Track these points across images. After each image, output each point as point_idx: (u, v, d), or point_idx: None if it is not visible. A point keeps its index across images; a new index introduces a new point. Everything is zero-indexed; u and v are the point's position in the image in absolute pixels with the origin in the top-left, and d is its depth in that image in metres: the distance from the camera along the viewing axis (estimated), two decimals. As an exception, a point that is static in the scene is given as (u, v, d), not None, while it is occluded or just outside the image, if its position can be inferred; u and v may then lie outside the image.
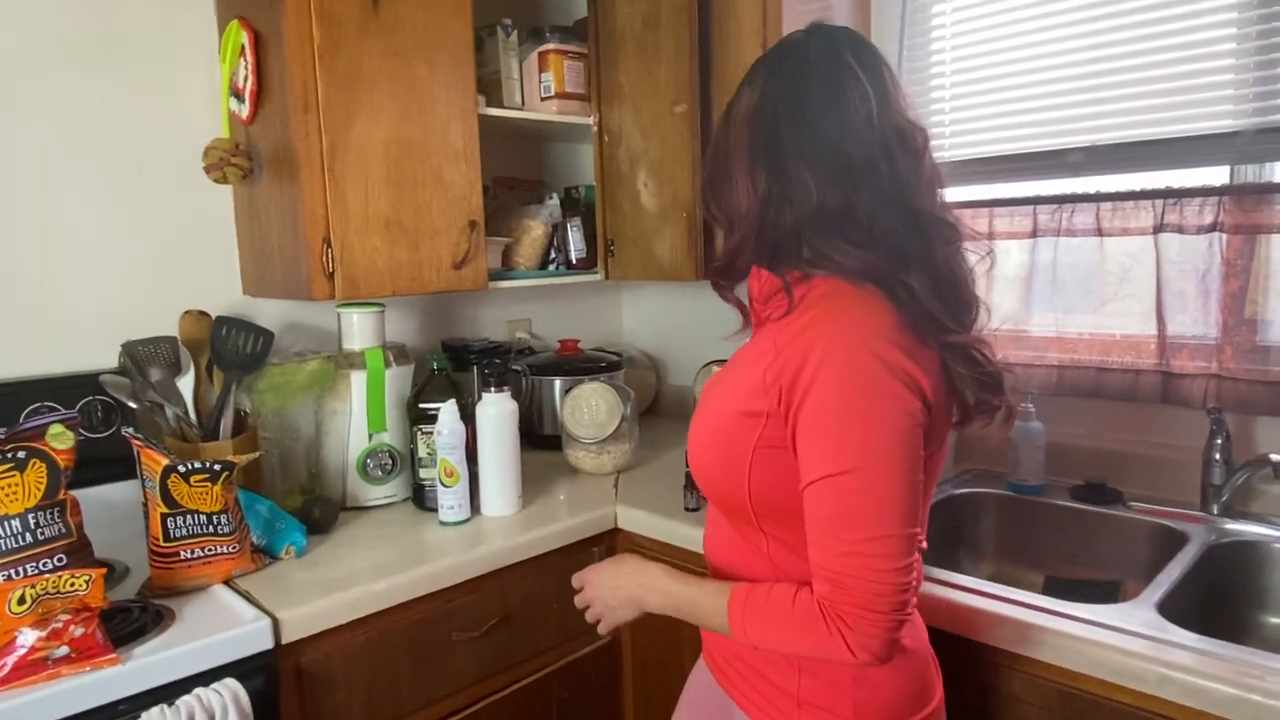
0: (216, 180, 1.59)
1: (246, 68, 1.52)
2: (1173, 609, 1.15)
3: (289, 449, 1.60)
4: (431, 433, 1.56)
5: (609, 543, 1.63)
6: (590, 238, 2.01)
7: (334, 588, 1.27)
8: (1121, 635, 1.06)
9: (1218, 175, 1.52)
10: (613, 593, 1.04)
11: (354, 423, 1.60)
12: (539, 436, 2.02)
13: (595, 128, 1.95)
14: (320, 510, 1.50)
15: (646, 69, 1.83)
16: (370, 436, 1.61)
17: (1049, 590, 1.50)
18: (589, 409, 1.79)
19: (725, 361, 1.07)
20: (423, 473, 1.60)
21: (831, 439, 0.81)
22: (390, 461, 1.62)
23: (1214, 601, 1.33)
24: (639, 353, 2.45)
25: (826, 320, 0.84)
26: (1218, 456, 1.46)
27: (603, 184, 1.98)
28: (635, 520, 1.59)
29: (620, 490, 1.72)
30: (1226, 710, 0.94)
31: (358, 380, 1.59)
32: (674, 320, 2.39)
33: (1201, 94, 1.51)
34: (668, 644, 1.56)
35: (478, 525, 1.53)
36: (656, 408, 2.42)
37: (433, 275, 1.62)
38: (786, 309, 0.90)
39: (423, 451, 1.60)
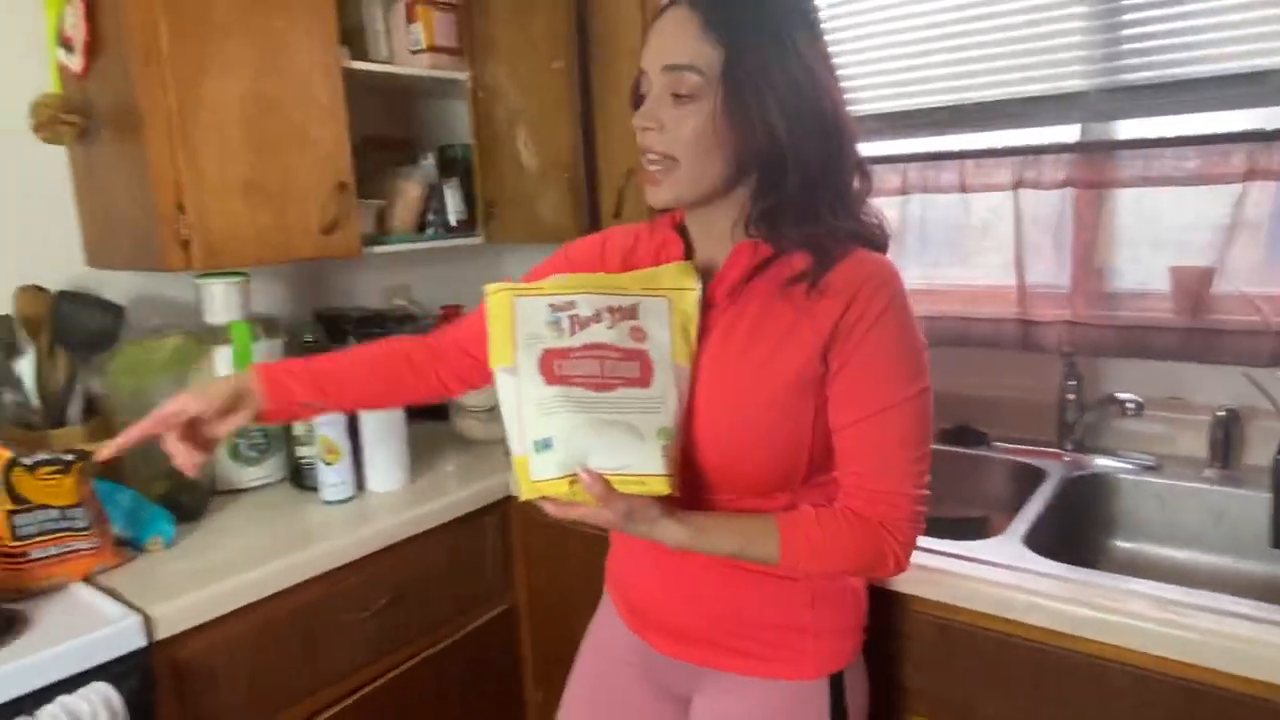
0: (46, 140, 1.45)
1: (76, 14, 1.38)
2: (1036, 541, 1.24)
3: (149, 433, 1.50)
4: (309, 408, 1.49)
5: (503, 511, 1.62)
6: (469, 199, 1.96)
7: (209, 578, 1.21)
8: (992, 568, 1.14)
9: (1070, 134, 1.62)
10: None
11: (222, 401, 1.51)
12: (425, 407, 1.96)
13: (470, 84, 1.89)
14: (188, 496, 1.42)
15: (521, 23, 1.78)
16: (241, 415, 1.53)
17: (922, 529, 1.60)
18: (475, 376, 1.76)
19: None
20: (301, 451, 1.54)
21: (905, 364, 0.89)
22: (264, 440, 1.55)
23: (1072, 531, 1.45)
24: (523, 317, 2.42)
25: (870, 262, 0.91)
26: (1071, 397, 1.58)
27: (480, 143, 1.93)
28: (528, 487, 1.58)
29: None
30: (1088, 631, 1.03)
31: (223, 356, 1.52)
32: (558, 283, 2.37)
33: (1055, 54, 1.60)
34: (564, 601, 1.57)
35: (363, 503, 1.49)
36: (543, 372, 2.40)
37: (301, 241, 1.55)
38: (823, 264, 0.90)
39: (300, 428, 1.53)
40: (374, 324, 1.89)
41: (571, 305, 0.91)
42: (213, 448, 1.05)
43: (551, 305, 0.91)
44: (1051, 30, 1.59)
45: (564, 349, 0.89)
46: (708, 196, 0.93)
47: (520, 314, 0.91)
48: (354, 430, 1.50)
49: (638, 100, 0.93)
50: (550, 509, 0.88)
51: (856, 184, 0.95)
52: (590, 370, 0.88)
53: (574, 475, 0.85)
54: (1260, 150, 1.38)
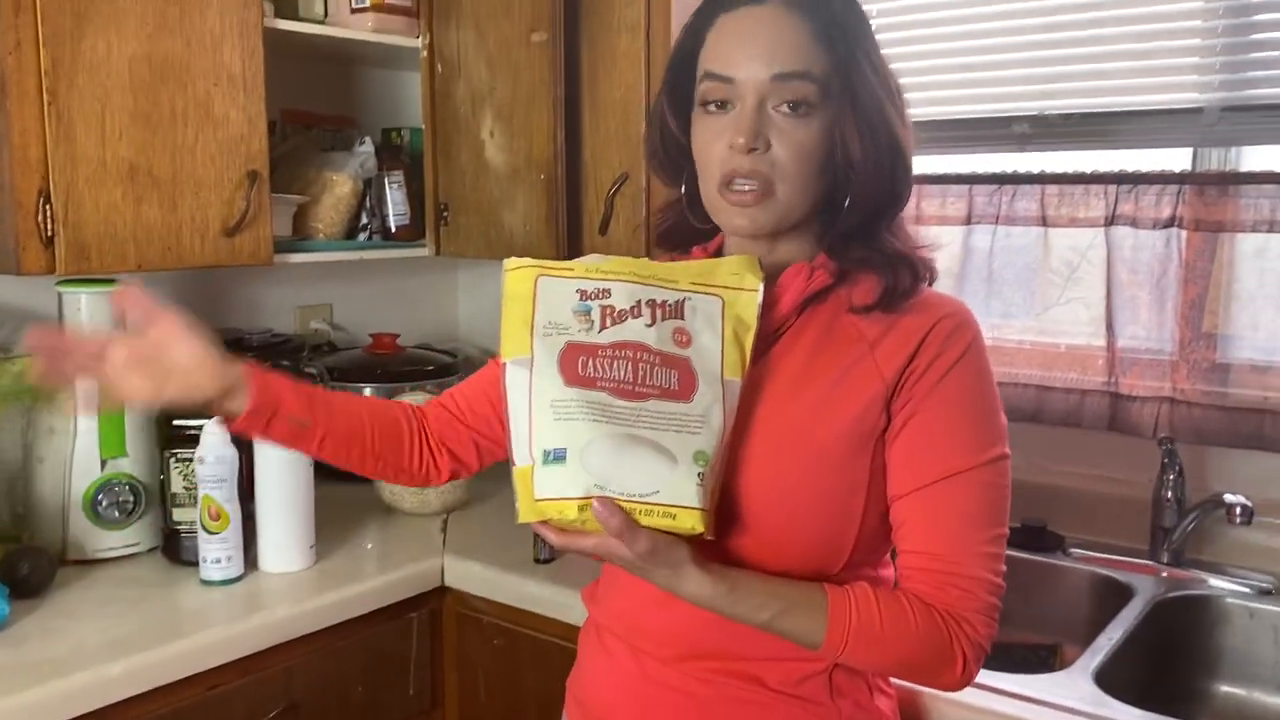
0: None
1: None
2: (1114, 678, 1.26)
3: (-17, 480, 1.52)
4: (191, 460, 1.52)
5: (433, 605, 1.63)
6: (417, 199, 1.99)
7: (48, 673, 1.21)
8: (1052, 713, 1.16)
9: (1180, 160, 1.68)
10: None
11: (80, 445, 1.54)
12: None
13: (425, 53, 1.93)
14: (29, 566, 1.43)
15: (495, -20, 1.84)
16: (103, 464, 1.55)
17: (978, 657, 1.61)
18: (409, 427, 1.78)
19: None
20: (178, 514, 1.56)
21: (982, 423, 0.96)
22: (132, 499, 1.57)
23: (1162, 668, 1.47)
24: (479, 352, 2.43)
25: (948, 304, 0.99)
26: (1169, 495, 1.62)
27: (434, 129, 1.96)
28: (469, 576, 1.60)
29: (449, 536, 1.72)
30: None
31: (85, 386, 1.53)
32: (524, 309, 2.39)
33: (1165, 60, 1.66)
34: (508, 711, 1.58)
35: (254, 585, 1.50)
36: (499, 424, 2.42)
37: (196, 243, 1.58)
38: (896, 292, 0.98)
39: (178, 485, 1.55)
40: (283, 352, 1.91)
41: (606, 293, 0.95)
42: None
43: (581, 291, 0.95)
44: (1163, 29, 1.65)
45: (591, 345, 0.93)
46: (795, 224, 1.01)
47: (543, 296, 0.95)
48: (247, 490, 1.52)
49: (675, 93, 1.04)
50: (551, 536, 0.91)
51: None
52: (621, 374, 0.92)
53: (587, 499, 0.87)
54: None
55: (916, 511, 0.95)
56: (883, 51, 1.00)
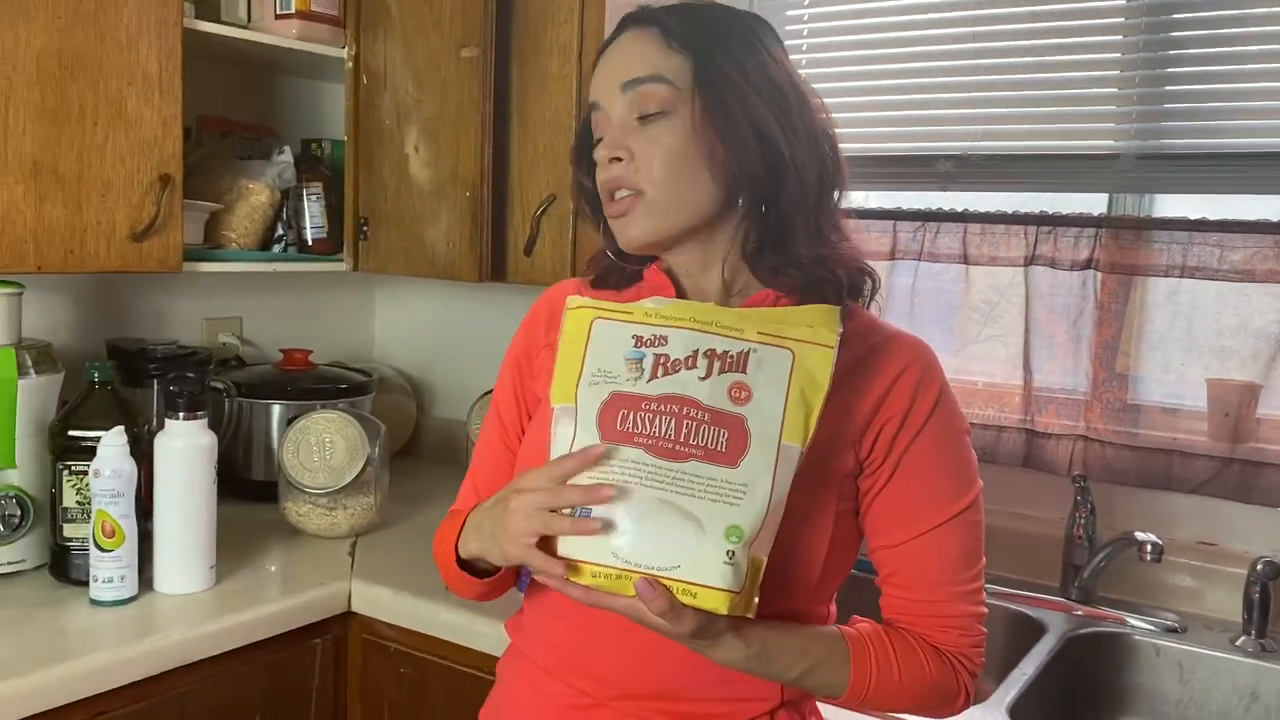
0: None
1: None
2: (1026, 711, 1.29)
3: None
4: (86, 472, 1.48)
5: (338, 631, 1.60)
6: (335, 212, 1.97)
7: (-81, 698, 1.16)
8: (970, 747, 1.17)
9: (1097, 205, 1.74)
10: None
11: (-35, 454, 1.48)
12: (245, 482, 1.96)
13: (350, 64, 1.93)
14: (-98, 582, 1.36)
15: (426, -7, 1.83)
16: (-11, 475, 1.50)
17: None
18: (320, 448, 1.75)
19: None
20: (69, 530, 1.51)
21: (963, 469, 0.99)
22: (19, 512, 1.52)
23: (1071, 703, 1.50)
24: (394, 372, 2.42)
25: (913, 344, 1.01)
26: (1081, 532, 1.66)
27: (357, 141, 1.95)
28: (378, 601, 1.57)
29: (358, 560, 1.69)
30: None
31: (-25, 392, 1.47)
32: (445, 332, 2.37)
33: (1083, 106, 1.72)
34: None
35: (148, 606, 1.46)
36: (415, 448, 2.40)
37: (100, 247, 1.55)
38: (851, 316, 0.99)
39: (70, 499, 1.50)
40: (186, 364, 1.86)
41: (663, 340, 0.90)
42: None
43: (638, 337, 0.90)
44: (1082, 77, 1.72)
45: (636, 396, 0.88)
46: (692, 229, 0.99)
47: (596, 340, 0.91)
48: (145, 507, 1.48)
49: (580, 148, 1.06)
50: (576, 592, 0.87)
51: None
52: (662, 429, 0.87)
53: (615, 568, 0.84)
54: (1320, 247, 1.51)
55: (906, 562, 0.99)
56: (798, 74, 1.01)
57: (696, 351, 0.89)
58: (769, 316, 0.91)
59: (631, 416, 0.87)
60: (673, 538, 0.84)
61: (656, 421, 0.87)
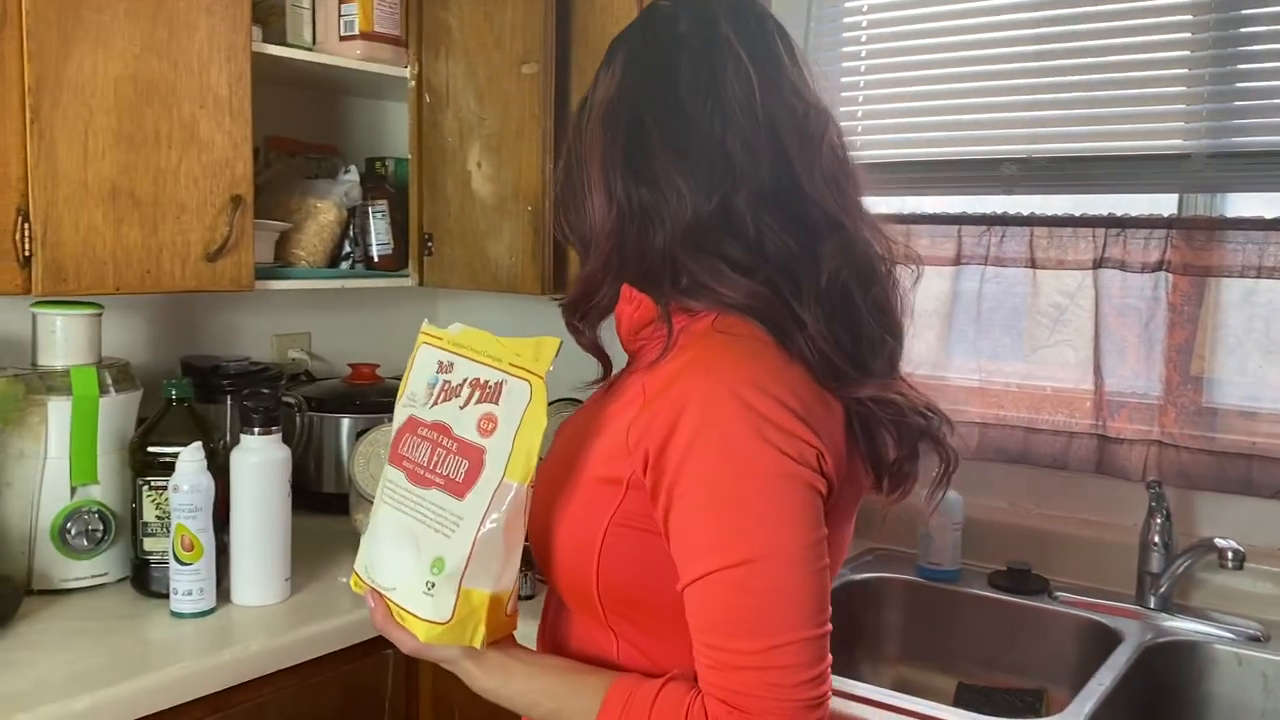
0: None
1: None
2: (1105, 725, 1.26)
3: (-53, 506, 1.49)
4: (165, 488, 1.50)
5: (409, 641, 1.61)
6: (400, 229, 1.99)
7: (11, 708, 1.19)
8: (1046, 761, 1.16)
9: (1167, 206, 1.71)
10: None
11: (49, 471, 1.53)
12: (316, 495, 1.98)
13: (413, 83, 1.95)
14: (-8, 595, 1.40)
15: (486, 12, 1.85)
16: (73, 491, 1.54)
17: (961, 701, 1.61)
18: (388, 459, 1.77)
19: (581, 403, 1.08)
20: (149, 544, 1.54)
21: (717, 523, 0.84)
22: (101, 527, 1.55)
23: (1149, 713, 1.47)
24: (456, 384, 2.44)
25: (700, 369, 0.87)
26: (1156, 539, 1.62)
27: (420, 159, 1.97)
28: (447, 611, 1.58)
29: (427, 570, 1.70)
30: None
31: (58, 410, 1.52)
32: (506, 343, 2.40)
33: (1152, 106, 1.69)
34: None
35: (226, 618, 1.48)
36: (477, 458, 2.41)
37: (176, 268, 1.58)
38: (663, 348, 0.91)
39: (151, 514, 1.53)
40: (261, 380, 1.90)
41: (450, 367, 0.93)
42: None
43: (440, 363, 0.94)
44: (1151, 76, 1.69)
45: (418, 421, 0.93)
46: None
47: (417, 365, 0.96)
48: (222, 520, 1.50)
49: None
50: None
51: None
52: (422, 455, 0.91)
53: (362, 580, 0.94)
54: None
55: (688, 606, 0.86)
56: (838, 84, 0.98)
57: (466, 379, 0.91)
58: (520, 346, 0.90)
59: (408, 440, 0.92)
60: (399, 561, 0.89)
61: (420, 447, 0.91)
